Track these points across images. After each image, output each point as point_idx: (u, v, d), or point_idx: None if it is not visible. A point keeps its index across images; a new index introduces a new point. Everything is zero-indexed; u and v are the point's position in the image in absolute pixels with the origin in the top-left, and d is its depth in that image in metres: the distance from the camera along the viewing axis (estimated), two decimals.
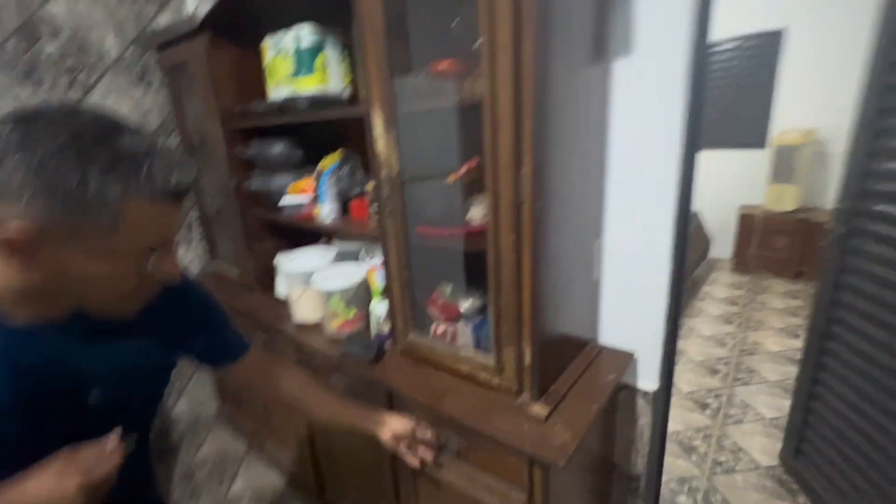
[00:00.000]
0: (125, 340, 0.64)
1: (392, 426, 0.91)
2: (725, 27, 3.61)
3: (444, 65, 1.04)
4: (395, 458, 1.18)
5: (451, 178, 1.12)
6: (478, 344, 1.12)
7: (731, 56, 3.69)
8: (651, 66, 1.00)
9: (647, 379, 1.19)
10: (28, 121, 0.45)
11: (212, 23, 1.43)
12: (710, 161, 3.96)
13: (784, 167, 3.40)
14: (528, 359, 0.94)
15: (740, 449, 1.85)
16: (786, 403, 1.74)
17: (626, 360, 1.16)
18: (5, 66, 1.49)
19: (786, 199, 3.43)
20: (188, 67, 1.57)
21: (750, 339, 2.71)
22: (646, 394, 1.21)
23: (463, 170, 1.11)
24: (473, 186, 1.16)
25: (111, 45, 1.72)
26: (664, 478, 1.70)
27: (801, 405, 1.66)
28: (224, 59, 1.52)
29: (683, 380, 2.34)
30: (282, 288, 1.61)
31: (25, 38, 1.52)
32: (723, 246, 3.94)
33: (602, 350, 1.20)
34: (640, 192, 1.08)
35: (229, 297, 1.70)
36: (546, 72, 0.80)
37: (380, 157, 1.05)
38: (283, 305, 1.56)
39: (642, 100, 1.03)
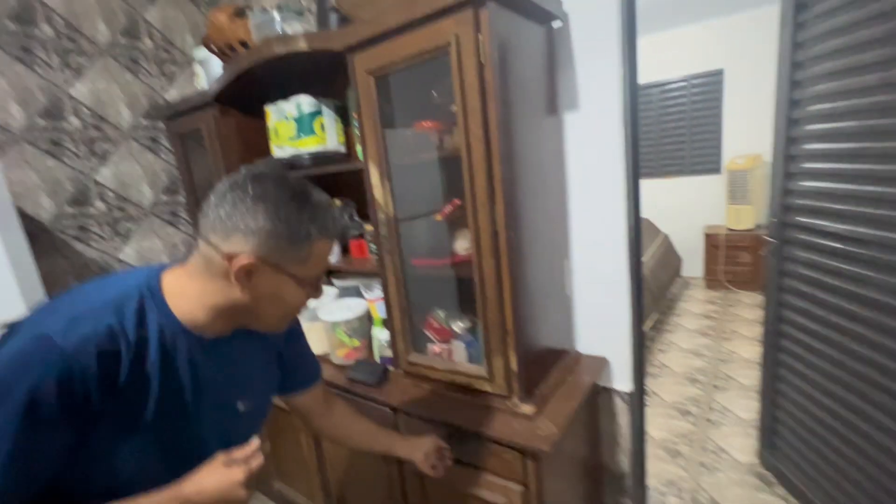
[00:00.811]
0: (260, 356, 0.79)
1: (423, 447, 1.01)
2: (673, 69, 4.05)
3: (426, 124, 1.26)
4: (401, 472, 1.30)
5: (438, 217, 1.31)
6: (470, 359, 1.27)
7: (681, 93, 4.11)
8: (594, 112, 1.23)
9: (622, 381, 1.35)
10: (261, 179, 0.60)
11: (221, 97, 1.64)
12: (674, 187, 4.30)
13: (738, 189, 3.72)
14: (514, 365, 1.09)
15: (722, 450, 1.99)
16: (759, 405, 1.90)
17: (601, 364, 1.33)
18: (34, 141, 1.67)
19: (744, 219, 3.74)
20: (200, 133, 1.77)
21: (725, 349, 2.89)
22: (622, 394, 1.36)
23: (447, 209, 1.30)
24: (457, 222, 1.35)
25: (126, 117, 1.92)
26: (654, 482, 1.83)
27: (768, 405, 1.82)
28: (231, 124, 1.73)
29: (665, 390, 2.48)
30: None
31: (52, 116, 1.71)
32: (694, 264, 4.21)
33: (580, 357, 1.36)
34: (596, 215, 1.29)
35: None
36: (509, 127, 1.01)
37: (377, 203, 1.24)
38: None
39: (590, 139, 1.25)
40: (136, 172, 1.96)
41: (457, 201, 1.28)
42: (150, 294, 0.62)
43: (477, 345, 1.28)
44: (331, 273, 1.77)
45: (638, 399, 1.35)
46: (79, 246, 1.81)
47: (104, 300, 0.59)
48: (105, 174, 1.87)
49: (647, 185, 1.12)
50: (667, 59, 4.03)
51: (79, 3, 1.76)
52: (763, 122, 3.66)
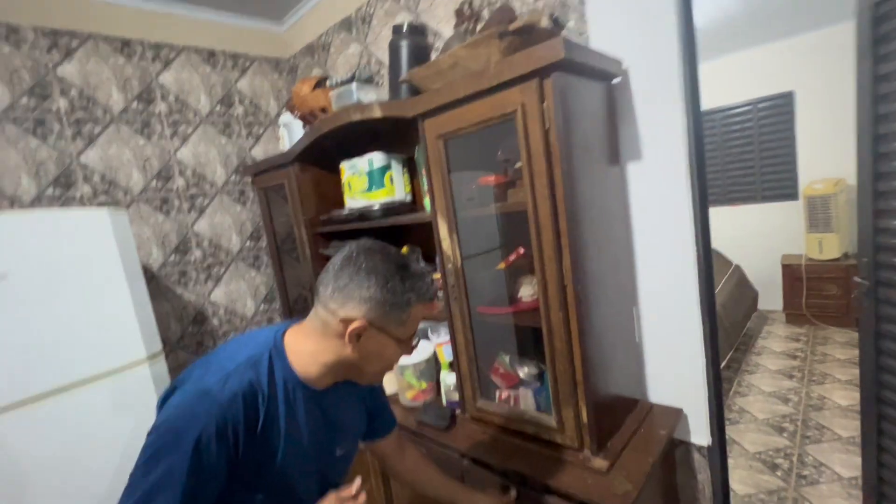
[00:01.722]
0: (354, 406, 0.88)
1: (487, 502, 1.05)
2: (738, 93, 3.91)
3: (490, 179, 1.34)
4: None
5: (502, 265, 1.36)
6: (538, 407, 1.28)
7: (748, 118, 3.94)
8: (657, 157, 1.24)
9: (700, 434, 1.29)
10: (370, 254, 0.72)
11: (301, 157, 1.83)
12: (744, 215, 4.07)
13: (819, 217, 3.45)
14: (585, 417, 1.09)
15: None
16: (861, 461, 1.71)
17: (675, 415, 1.28)
18: (149, 201, 1.95)
19: (827, 248, 3.44)
20: (282, 187, 1.97)
21: (815, 394, 2.63)
22: (700, 448, 1.30)
23: (512, 257, 1.35)
24: (520, 270, 1.39)
25: (220, 174, 2.19)
26: None
27: (871, 462, 1.63)
28: (308, 179, 1.92)
29: (748, 439, 2.29)
30: None
31: (164, 179, 1.99)
32: (772, 297, 3.90)
33: (652, 407, 1.32)
34: (664, 257, 1.27)
35: None
36: (573, 184, 1.05)
37: (445, 255, 1.31)
38: None
39: (654, 183, 1.26)
40: (227, 222, 2.21)
41: (521, 250, 1.33)
42: (276, 352, 0.73)
43: (544, 392, 1.29)
44: None
45: (719, 454, 1.28)
46: (179, 290, 2.05)
47: (245, 357, 0.70)
48: (202, 225, 2.12)
49: (713, 213, 1.10)
50: (729, 83, 3.91)
51: (187, 82, 2.06)
52: (844, 144, 3.43)
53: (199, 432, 0.61)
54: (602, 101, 1.21)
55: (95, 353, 1.26)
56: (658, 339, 1.33)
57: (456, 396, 1.44)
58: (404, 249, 1.73)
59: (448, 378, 1.48)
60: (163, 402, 0.68)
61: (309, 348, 0.74)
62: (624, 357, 1.29)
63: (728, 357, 2.98)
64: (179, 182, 2.04)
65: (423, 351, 1.55)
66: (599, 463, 1.08)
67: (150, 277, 1.93)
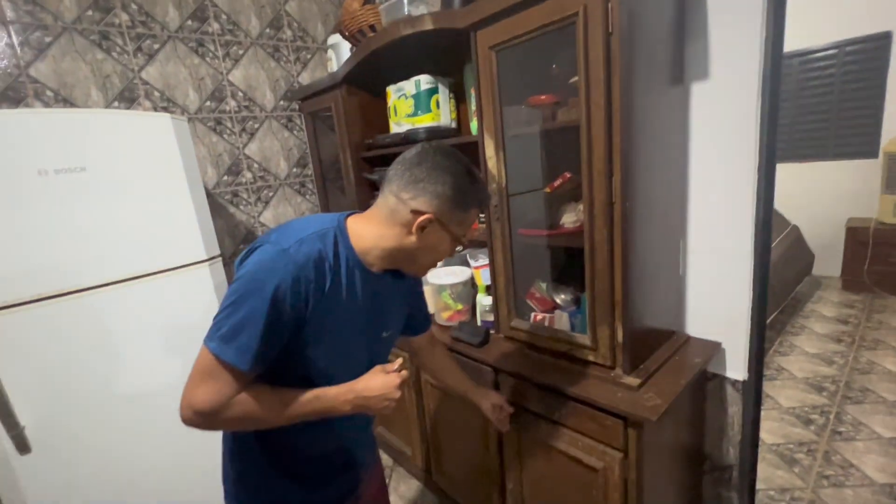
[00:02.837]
0: (400, 296, 0.95)
1: (491, 398, 1.20)
2: (824, 35, 3.49)
3: (541, 98, 1.29)
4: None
5: (549, 189, 1.34)
6: (573, 329, 1.30)
7: (831, 63, 3.53)
8: (725, 84, 1.15)
9: (736, 369, 1.28)
10: (447, 154, 0.77)
11: (349, 78, 1.83)
12: (813, 174, 3.76)
13: None
14: (620, 337, 1.10)
15: (851, 465, 1.77)
16: None
17: (713, 349, 1.27)
18: (203, 121, 2.02)
19: None
20: (329, 112, 1.98)
21: (864, 358, 2.51)
22: (735, 382, 1.29)
23: (558, 182, 1.32)
24: (565, 196, 1.37)
25: (269, 99, 2.22)
26: (762, 485, 1.70)
27: None
28: (355, 103, 1.92)
29: (784, 395, 2.25)
30: None
31: (217, 99, 2.05)
32: (830, 263, 3.66)
33: (689, 339, 1.32)
34: (722, 194, 1.22)
35: None
36: (632, 98, 1.00)
37: (490, 172, 1.30)
38: None
39: (719, 114, 1.18)
40: (275, 147, 2.27)
41: (567, 175, 1.30)
42: (340, 231, 0.78)
43: (580, 315, 1.30)
44: None
45: (754, 388, 1.27)
46: (231, 209, 2.16)
47: (315, 230, 0.76)
48: (252, 149, 2.19)
49: (778, 170, 1.01)
50: (812, 22, 3.48)
51: (238, 2, 2.06)
52: None
53: (277, 282, 0.68)
54: (672, 10, 1.12)
55: (161, 249, 1.37)
56: (703, 273, 1.29)
57: (491, 317, 1.48)
58: None
59: (484, 300, 1.52)
60: (242, 260, 0.74)
61: (372, 232, 0.79)
62: (665, 286, 1.27)
63: (772, 318, 2.87)
64: (231, 104, 2.09)
65: (460, 274, 1.59)
66: (631, 380, 1.10)
67: (207, 195, 2.04)
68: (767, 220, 1.20)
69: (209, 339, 0.70)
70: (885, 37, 3.26)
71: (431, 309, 1.67)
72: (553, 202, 1.39)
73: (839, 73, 3.51)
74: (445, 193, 0.75)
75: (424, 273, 0.89)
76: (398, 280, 0.89)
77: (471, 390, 1.20)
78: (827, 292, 3.53)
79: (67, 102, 1.69)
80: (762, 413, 2.09)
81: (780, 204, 3.50)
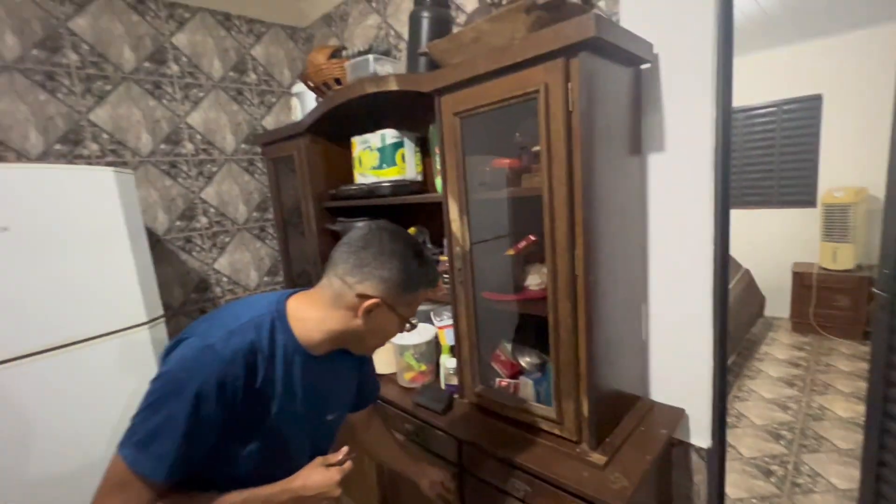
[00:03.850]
0: (347, 375, 0.91)
1: (430, 475, 1.12)
2: (762, 94, 3.80)
3: (505, 162, 1.30)
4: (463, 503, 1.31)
5: (511, 252, 1.33)
6: (538, 398, 1.26)
7: (771, 119, 3.83)
8: (680, 148, 1.19)
9: (700, 436, 1.27)
10: (394, 237, 0.76)
11: (312, 128, 1.80)
12: (759, 219, 3.99)
13: (836, 225, 3.37)
14: (585, 411, 1.07)
15: None
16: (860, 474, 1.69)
17: (677, 415, 1.26)
18: (156, 164, 1.92)
19: (842, 258, 3.37)
20: (291, 159, 1.93)
21: (815, 404, 2.60)
22: (699, 450, 1.28)
23: (522, 244, 1.32)
24: (529, 258, 1.36)
25: (229, 142, 2.15)
26: None
27: (870, 477, 1.61)
28: (319, 151, 1.88)
29: (744, 444, 2.28)
30: None
31: (172, 142, 1.96)
32: (780, 304, 3.84)
33: (654, 405, 1.30)
34: (678, 256, 1.24)
35: None
36: (592, 171, 1.01)
37: (454, 235, 1.28)
38: None
39: (675, 177, 1.21)
40: (235, 191, 2.18)
41: (532, 237, 1.30)
42: (279, 316, 0.74)
43: (545, 382, 1.27)
44: None
45: (718, 456, 1.26)
46: (183, 256, 2.04)
47: (248, 318, 0.71)
48: (209, 192, 2.10)
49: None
50: (754, 83, 3.79)
51: (200, 45, 2.02)
52: (869, 152, 3.33)
53: (200, 383, 0.63)
54: (629, 87, 1.16)
55: (95, 313, 1.25)
56: (665, 337, 1.30)
57: (455, 381, 1.42)
58: (412, 230, 1.70)
59: (448, 362, 1.47)
60: (167, 353, 0.69)
61: (315, 315, 0.76)
62: (629, 353, 1.26)
63: (730, 361, 2.95)
64: (188, 147, 2.01)
65: (424, 333, 1.54)
66: (597, 457, 1.06)
67: (155, 241, 1.92)
68: (724, 282, 1.22)
69: (123, 445, 0.64)
70: (816, 98, 3.58)
71: (392, 369, 1.60)
72: (518, 263, 1.38)
73: (778, 128, 3.80)
74: (392, 278, 0.74)
75: (372, 352, 0.86)
76: (346, 355, 0.84)
77: (409, 466, 1.13)
78: (778, 334, 3.68)
79: (2, 143, 1.56)
80: (725, 488, 2.10)
81: (732, 248, 3.68)
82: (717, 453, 1.26)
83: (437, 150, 1.35)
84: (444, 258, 1.42)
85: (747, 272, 3.59)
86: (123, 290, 1.29)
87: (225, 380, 0.65)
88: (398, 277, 0.74)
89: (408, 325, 0.82)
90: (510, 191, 1.32)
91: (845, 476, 1.99)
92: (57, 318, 1.17)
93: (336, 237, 1.92)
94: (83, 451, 1.21)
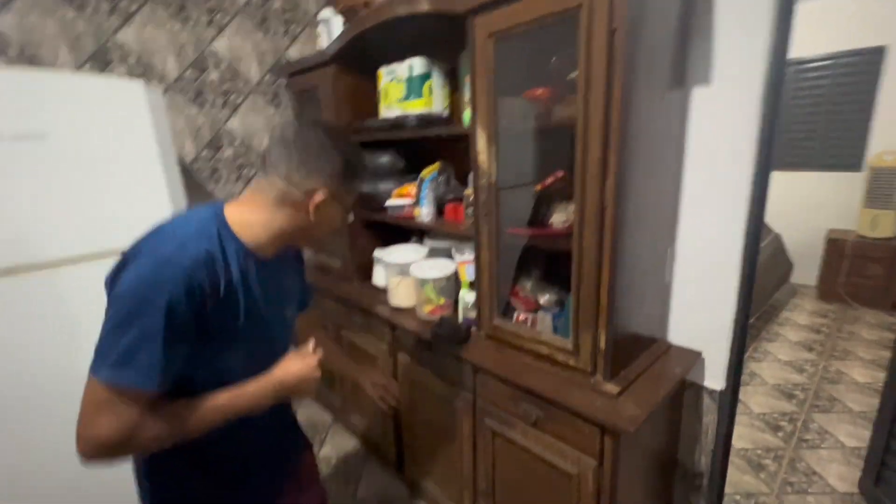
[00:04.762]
0: (293, 274, 0.95)
1: (373, 377, 1.16)
2: (819, 45, 3.49)
3: (538, 92, 1.24)
4: (474, 425, 1.37)
5: (539, 187, 1.31)
6: (555, 331, 1.28)
7: (824, 74, 3.55)
8: (727, 90, 1.12)
9: (714, 378, 1.28)
10: (336, 135, 0.78)
11: (339, 56, 1.74)
12: (797, 182, 3.80)
13: (881, 191, 3.19)
14: (602, 343, 1.08)
15: (814, 472, 1.81)
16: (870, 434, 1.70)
17: (693, 358, 1.26)
18: (182, 91, 1.91)
19: (882, 225, 3.21)
20: (316, 91, 1.90)
21: (833, 368, 2.58)
22: (712, 392, 1.29)
23: (549, 180, 1.29)
24: (556, 195, 1.33)
25: (254, 72, 2.12)
26: (730, 489, 1.73)
27: (882, 435, 1.61)
28: (344, 83, 1.83)
29: (754, 401, 2.30)
30: (379, 278, 1.87)
31: (198, 69, 1.94)
32: (807, 272, 3.73)
33: (670, 347, 1.31)
34: (714, 203, 1.20)
35: (332, 285, 1.99)
36: (632, 98, 0.96)
37: (481, 167, 1.26)
38: (380, 293, 1.82)
39: (718, 120, 1.15)
40: (259, 124, 2.17)
41: (560, 173, 1.26)
42: (222, 225, 0.73)
43: (563, 318, 1.28)
44: (423, 233, 1.85)
45: (730, 399, 1.28)
46: (210, 186, 2.07)
47: (196, 230, 0.70)
48: (234, 123, 2.09)
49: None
50: (809, 32, 3.47)
51: None
52: None
53: (169, 296, 0.62)
54: (679, 8, 1.08)
55: (129, 227, 1.29)
56: (689, 281, 1.28)
57: (473, 314, 1.45)
58: (436, 165, 1.68)
59: (467, 296, 1.49)
60: (111, 280, 0.67)
61: (260, 218, 0.76)
62: (651, 293, 1.26)
63: (749, 322, 2.92)
64: (214, 74, 1.99)
65: (444, 268, 1.55)
66: (611, 387, 1.09)
67: (182, 170, 1.94)
68: (757, 232, 1.18)
69: (97, 369, 0.62)
70: (878, 51, 3.28)
71: (411, 302, 1.64)
72: (543, 201, 1.36)
73: (831, 84, 3.53)
74: (336, 171, 0.76)
75: (322, 247, 0.91)
76: (285, 256, 0.89)
77: (353, 370, 1.18)
78: (803, 301, 3.60)
79: (34, 60, 1.57)
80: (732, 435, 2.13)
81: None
82: (730, 396, 1.27)
83: (466, 80, 1.30)
84: (468, 192, 1.41)
85: (777, 237, 3.48)
86: (157, 207, 1.32)
87: (192, 288, 0.64)
88: (340, 170, 0.77)
89: (350, 216, 0.88)
90: (540, 124, 1.27)
91: (854, 435, 2.01)
92: (93, 229, 1.21)
93: None
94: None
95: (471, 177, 1.33)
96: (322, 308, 2.09)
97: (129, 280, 0.63)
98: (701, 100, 1.17)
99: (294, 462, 1.00)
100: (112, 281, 0.67)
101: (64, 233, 1.17)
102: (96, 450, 0.62)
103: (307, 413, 2.36)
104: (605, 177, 0.99)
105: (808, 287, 3.78)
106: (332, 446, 2.13)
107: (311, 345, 0.83)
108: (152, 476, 0.81)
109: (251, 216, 0.76)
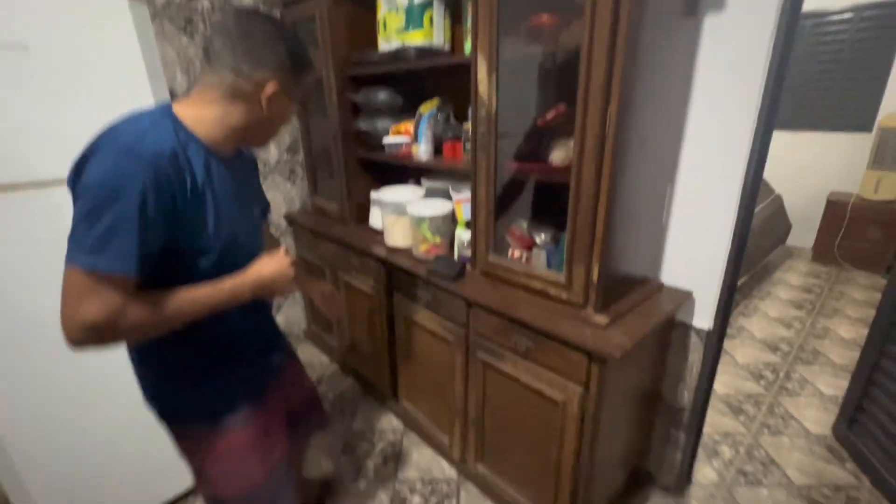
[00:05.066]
0: (252, 175, 0.97)
1: (321, 289, 1.21)
2: None
3: (543, 18, 1.18)
4: (466, 358, 1.41)
5: (540, 122, 1.27)
6: (549, 267, 1.29)
7: (844, 28, 3.40)
8: (739, 24, 1.07)
9: (703, 318, 1.30)
10: (267, 18, 0.75)
11: None
12: (803, 144, 3.73)
13: (888, 153, 3.14)
14: (595, 276, 1.09)
15: (791, 416, 1.89)
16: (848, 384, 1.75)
17: (684, 297, 1.28)
18: (172, 19, 1.83)
19: (884, 188, 3.18)
20: (312, 24, 1.81)
21: (820, 324, 2.63)
22: (699, 331, 1.32)
23: (551, 115, 1.25)
24: (557, 131, 1.30)
25: (247, 0, 2.01)
26: (709, 429, 1.81)
27: (860, 384, 1.67)
28: (342, 14, 1.75)
29: (740, 353, 2.36)
30: (376, 220, 1.87)
31: None
32: (805, 234, 3.74)
33: (662, 287, 1.32)
34: (716, 144, 1.17)
35: (328, 228, 1.99)
36: (640, 22, 0.92)
37: (480, 97, 1.22)
38: (376, 234, 1.82)
39: (729, 54, 1.10)
40: None
41: (561, 107, 1.23)
42: (176, 124, 0.71)
43: (557, 254, 1.29)
44: (420, 173, 1.83)
45: (717, 338, 1.31)
46: None
47: (149, 124, 0.68)
48: None
49: (773, 138, 1.01)
50: None
51: None
52: None
53: (140, 183, 0.62)
54: None
55: None
56: (685, 221, 1.28)
57: (468, 253, 1.46)
58: (435, 101, 1.63)
59: (463, 235, 1.49)
60: (74, 175, 0.66)
61: (213, 114, 0.74)
62: (646, 232, 1.26)
63: (741, 282, 2.95)
64: (205, 2, 1.89)
65: (441, 207, 1.54)
66: (600, 319, 1.11)
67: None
68: (758, 175, 1.17)
69: (73, 258, 0.62)
70: None
71: (407, 242, 1.64)
72: (544, 137, 1.33)
73: (851, 38, 3.38)
74: (284, 61, 0.75)
75: (268, 143, 0.87)
76: (242, 158, 0.89)
77: (304, 283, 1.20)
78: (797, 262, 3.63)
79: None
80: (718, 368, 2.20)
81: (766, 173, 3.49)
82: (716, 336, 1.30)
83: (468, 5, 1.24)
84: (467, 126, 1.37)
85: (778, 197, 3.45)
86: None
87: (159, 179, 0.63)
88: (288, 60, 0.75)
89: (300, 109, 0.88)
90: (545, 51, 1.23)
91: (833, 385, 2.08)
92: (66, 149, 1.18)
93: (358, 109, 1.87)
94: None
95: (471, 111, 1.30)
96: (318, 250, 2.10)
97: (95, 172, 0.62)
98: (713, 30, 1.11)
99: (280, 360, 1.02)
100: (74, 178, 0.66)
101: (54, 151, 1.14)
102: (83, 333, 0.63)
103: (304, 355, 2.42)
104: (607, 105, 0.96)
105: (804, 250, 3.79)
106: (329, 385, 2.21)
107: (282, 249, 0.86)
108: (145, 362, 0.84)
109: (204, 112, 0.74)
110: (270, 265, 0.81)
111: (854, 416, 1.70)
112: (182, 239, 0.70)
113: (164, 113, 0.71)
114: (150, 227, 0.64)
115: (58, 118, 1.14)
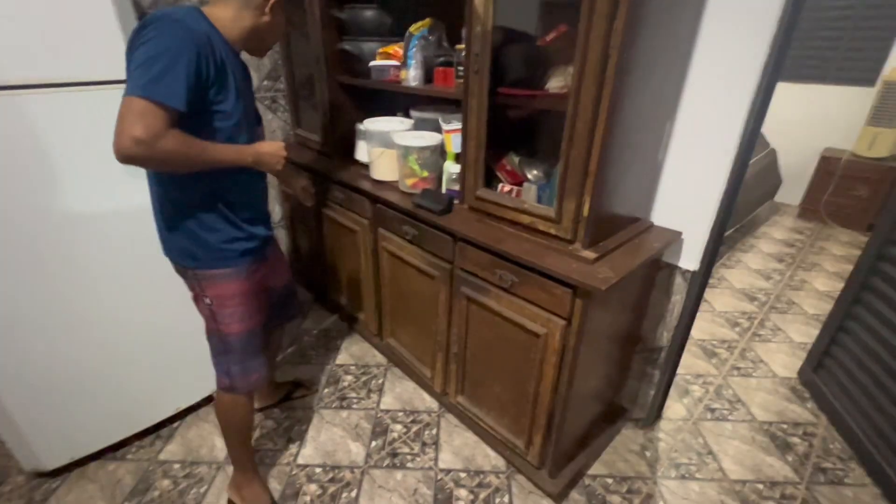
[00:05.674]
0: (250, 80, 1.11)
1: (300, 182, 1.38)
2: None
3: None
4: (451, 293, 1.40)
5: (540, 43, 1.18)
6: (539, 201, 1.25)
7: None
8: None
9: (689, 259, 1.30)
10: None
11: None
12: (802, 98, 3.63)
13: (888, 108, 3.08)
14: (586, 210, 1.06)
15: (761, 360, 1.97)
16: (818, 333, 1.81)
17: (673, 237, 1.27)
18: None
19: (880, 145, 3.16)
20: None
21: (798, 277, 2.70)
22: (685, 272, 1.32)
23: (551, 36, 1.16)
24: (555, 56, 1.21)
25: None
26: (682, 370, 1.87)
27: (830, 332, 1.73)
28: None
29: (719, 301, 2.42)
30: (361, 153, 1.78)
31: None
32: (794, 191, 3.74)
33: (652, 226, 1.30)
34: (720, 82, 1.11)
35: (311, 161, 1.90)
36: None
37: (476, 11, 1.12)
38: (361, 168, 1.75)
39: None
40: None
41: (563, 27, 1.13)
42: (204, 17, 0.90)
43: (548, 189, 1.25)
44: (408, 104, 1.72)
45: (701, 278, 1.31)
46: None
47: (185, 13, 0.86)
48: None
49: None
50: None
51: None
52: None
53: (186, 45, 0.81)
54: None
55: (98, 59, 1.14)
56: (681, 160, 1.24)
57: (457, 187, 1.40)
58: (427, 22, 1.50)
59: (451, 168, 1.43)
60: (134, 40, 0.82)
61: (229, 15, 0.94)
62: (642, 168, 1.22)
63: (727, 234, 2.97)
64: None
65: (430, 138, 1.46)
66: (588, 254, 1.09)
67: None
68: (760, 116, 1.12)
69: (131, 91, 0.77)
70: None
71: (394, 176, 1.58)
72: (541, 62, 1.24)
73: None
74: None
75: (265, 53, 1.07)
76: (244, 65, 1.04)
77: (288, 174, 1.28)
78: (783, 218, 3.66)
79: None
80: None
81: (764, 127, 3.41)
82: (701, 277, 1.31)
83: None
84: (460, 47, 1.27)
85: (772, 151, 3.40)
86: (108, 39, 1.16)
87: (200, 46, 0.83)
88: None
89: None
90: None
91: (804, 333, 2.16)
92: (65, 57, 1.08)
93: (342, 29, 1.72)
94: (105, 193, 1.24)
95: (465, 30, 1.19)
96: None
97: (152, 34, 0.80)
98: None
99: (272, 235, 1.18)
100: (134, 41, 0.82)
101: (30, 56, 1.04)
102: (131, 143, 0.77)
103: None
104: (613, 19, 0.88)
105: (792, 207, 3.81)
106: (313, 321, 2.21)
107: (279, 143, 1.06)
108: (178, 219, 1.00)
109: (224, 14, 0.94)
110: (270, 146, 1.03)
111: (820, 361, 1.77)
112: (210, 99, 0.89)
113: (195, 9, 0.90)
114: (192, 78, 0.82)
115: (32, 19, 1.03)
